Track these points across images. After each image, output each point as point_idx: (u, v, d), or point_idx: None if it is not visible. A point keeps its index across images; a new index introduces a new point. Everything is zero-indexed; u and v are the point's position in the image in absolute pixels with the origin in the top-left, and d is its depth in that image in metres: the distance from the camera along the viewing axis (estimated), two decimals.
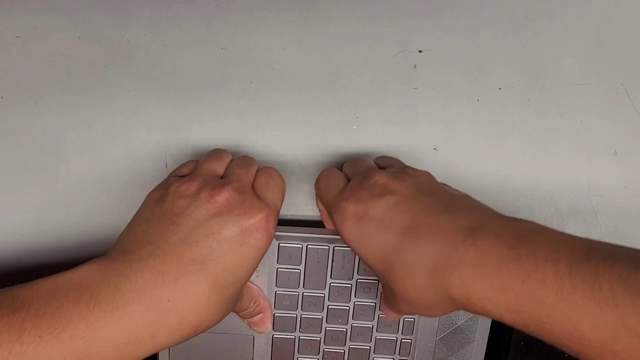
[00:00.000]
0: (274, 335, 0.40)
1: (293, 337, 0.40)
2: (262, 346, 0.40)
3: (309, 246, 0.37)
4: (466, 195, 0.32)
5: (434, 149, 0.41)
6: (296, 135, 0.41)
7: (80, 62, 0.40)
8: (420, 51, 0.40)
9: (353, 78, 0.40)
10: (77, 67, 0.40)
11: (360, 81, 0.40)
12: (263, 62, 0.40)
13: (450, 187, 0.34)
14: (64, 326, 0.24)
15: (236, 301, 0.32)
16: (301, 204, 0.42)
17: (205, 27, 0.40)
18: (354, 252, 0.34)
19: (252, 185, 0.33)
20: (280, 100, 0.40)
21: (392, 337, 0.40)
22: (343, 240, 0.33)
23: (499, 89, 0.41)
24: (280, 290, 0.38)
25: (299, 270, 0.38)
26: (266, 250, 0.31)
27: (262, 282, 0.38)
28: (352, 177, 0.34)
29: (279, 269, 0.38)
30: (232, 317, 0.38)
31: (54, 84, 0.40)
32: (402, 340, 0.40)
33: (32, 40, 0.39)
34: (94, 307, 0.25)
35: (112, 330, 0.25)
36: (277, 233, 0.36)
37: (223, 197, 0.30)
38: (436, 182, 0.33)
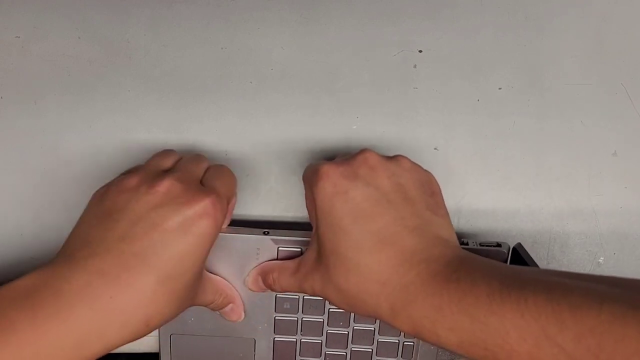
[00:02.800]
0: (275, 338, 0.39)
1: (294, 339, 0.39)
2: (264, 349, 0.40)
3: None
4: (435, 208, 0.32)
5: (434, 149, 0.41)
6: (296, 136, 0.41)
7: (80, 62, 0.40)
8: (420, 51, 0.40)
9: (353, 78, 0.40)
10: (77, 67, 0.40)
11: (360, 81, 0.40)
12: (263, 62, 0.40)
13: (425, 194, 0.33)
14: (10, 334, 0.24)
15: (193, 293, 0.32)
16: (302, 205, 0.42)
17: (205, 27, 0.40)
18: (310, 212, 0.33)
19: (201, 180, 0.32)
20: (280, 100, 0.40)
21: (394, 339, 0.39)
22: (308, 207, 0.32)
23: (499, 89, 0.41)
24: (280, 294, 0.38)
25: (297, 293, 0.37)
26: (215, 237, 0.31)
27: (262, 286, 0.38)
28: None
29: None
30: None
31: (54, 84, 0.40)
32: (405, 342, 0.39)
33: (32, 40, 0.39)
34: (38, 311, 0.25)
35: (59, 332, 0.25)
36: (275, 237, 0.36)
37: (164, 186, 0.30)
38: (418, 184, 0.32)
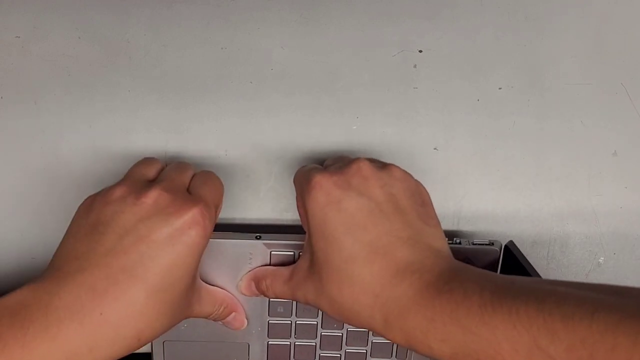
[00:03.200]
0: (269, 342, 0.39)
1: (288, 343, 0.39)
2: (258, 353, 0.40)
3: (300, 253, 0.36)
4: (426, 218, 0.32)
5: (434, 149, 0.41)
6: (296, 136, 0.41)
7: (80, 62, 0.40)
8: (420, 51, 0.40)
9: (353, 78, 0.40)
10: (77, 67, 0.40)
11: (360, 81, 0.40)
12: (263, 62, 0.40)
13: (417, 204, 0.32)
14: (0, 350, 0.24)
15: (186, 304, 0.31)
16: None
17: (205, 27, 0.40)
18: (302, 215, 0.33)
19: (187, 188, 0.32)
20: (280, 100, 0.40)
21: (388, 340, 0.39)
22: (299, 211, 0.31)
23: (499, 89, 0.41)
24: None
25: (290, 300, 0.37)
26: (204, 246, 0.30)
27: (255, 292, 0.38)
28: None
29: None
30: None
31: (54, 84, 0.40)
32: None
33: (32, 40, 0.39)
34: (28, 328, 0.25)
35: (49, 348, 0.25)
36: (267, 241, 0.36)
37: (151, 197, 0.29)
38: (409, 194, 0.32)
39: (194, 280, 0.32)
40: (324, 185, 0.30)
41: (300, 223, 0.34)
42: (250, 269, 0.36)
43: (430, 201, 0.34)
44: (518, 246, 0.41)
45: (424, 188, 0.34)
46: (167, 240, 0.28)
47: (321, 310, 0.32)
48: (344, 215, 0.30)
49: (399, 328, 0.28)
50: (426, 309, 0.27)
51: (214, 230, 0.34)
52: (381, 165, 0.33)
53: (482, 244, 0.36)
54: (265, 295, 0.36)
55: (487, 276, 0.27)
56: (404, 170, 0.33)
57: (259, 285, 0.36)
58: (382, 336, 0.29)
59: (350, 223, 0.29)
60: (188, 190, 0.32)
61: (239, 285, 0.37)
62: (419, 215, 0.31)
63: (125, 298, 0.27)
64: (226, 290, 0.37)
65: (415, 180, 0.34)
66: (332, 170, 0.32)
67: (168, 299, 0.29)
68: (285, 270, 0.34)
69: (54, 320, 0.25)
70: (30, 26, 0.39)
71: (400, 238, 0.29)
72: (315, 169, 0.32)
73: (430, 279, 0.27)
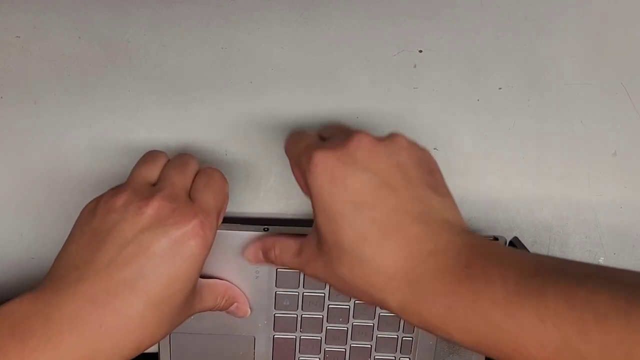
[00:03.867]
0: (275, 336, 0.39)
1: (294, 337, 0.40)
2: (263, 347, 0.40)
3: None
4: (436, 186, 0.30)
5: (434, 149, 0.41)
6: None
7: (80, 62, 0.40)
8: (420, 51, 0.40)
9: (353, 78, 0.40)
10: (77, 67, 0.40)
11: (360, 81, 0.40)
12: (263, 62, 0.40)
13: (425, 172, 0.31)
14: None
15: (187, 308, 0.31)
16: (302, 203, 0.42)
17: (205, 27, 0.40)
18: (300, 183, 0.32)
19: (190, 189, 0.32)
20: (280, 100, 0.40)
21: (393, 335, 0.40)
22: (302, 188, 0.30)
23: (499, 89, 0.41)
24: (280, 291, 0.38)
25: (298, 271, 0.38)
26: (205, 256, 0.30)
27: (262, 283, 0.38)
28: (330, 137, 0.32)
29: (278, 270, 0.38)
30: (232, 319, 0.38)
31: (54, 84, 0.40)
32: (404, 338, 0.40)
33: (32, 40, 0.39)
34: (28, 340, 0.25)
35: None
36: (275, 233, 0.36)
37: (152, 208, 0.29)
38: (416, 162, 0.30)
39: (194, 287, 0.32)
40: (328, 163, 0.29)
41: (304, 218, 0.34)
42: (257, 238, 0.36)
43: (439, 169, 0.32)
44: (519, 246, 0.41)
45: (431, 155, 0.32)
46: (167, 252, 0.28)
47: (331, 286, 0.31)
48: (350, 192, 0.28)
49: (416, 314, 0.27)
50: (445, 296, 0.25)
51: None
52: (384, 136, 0.31)
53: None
54: (272, 264, 0.35)
55: (508, 258, 0.26)
56: (409, 139, 0.31)
57: (267, 255, 0.35)
58: (397, 316, 0.28)
59: (357, 201, 0.28)
60: (190, 192, 0.32)
61: (245, 252, 0.36)
62: (428, 184, 0.30)
63: (125, 311, 0.27)
64: (228, 281, 0.37)
65: (422, 147, 0.32)
66: (333, 144, 0.30)
67: (168, 310, 0.29)
68: (293, 244, 0.33)
69: (55, 332, 0.26)
70: (30, 26, 0.39)
71: (411, 214, 0.28)
72: (314, 145, 0.30)
73: (447, 262, 0.26)
